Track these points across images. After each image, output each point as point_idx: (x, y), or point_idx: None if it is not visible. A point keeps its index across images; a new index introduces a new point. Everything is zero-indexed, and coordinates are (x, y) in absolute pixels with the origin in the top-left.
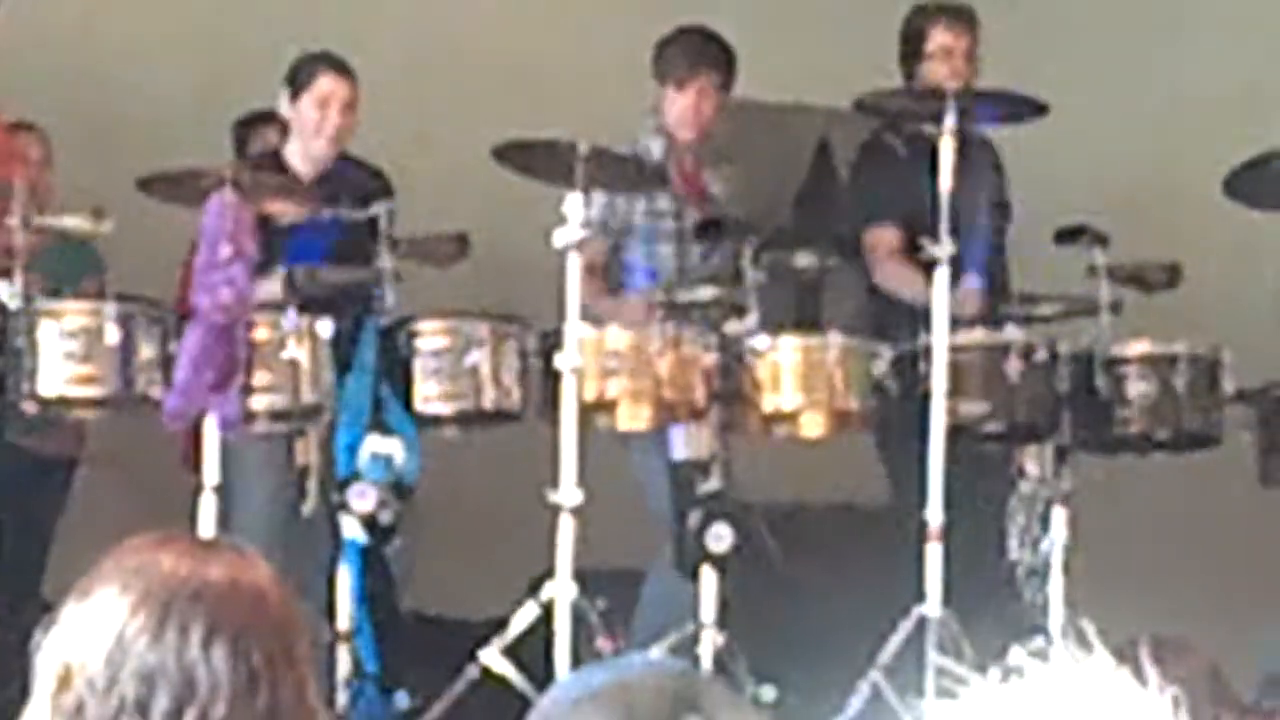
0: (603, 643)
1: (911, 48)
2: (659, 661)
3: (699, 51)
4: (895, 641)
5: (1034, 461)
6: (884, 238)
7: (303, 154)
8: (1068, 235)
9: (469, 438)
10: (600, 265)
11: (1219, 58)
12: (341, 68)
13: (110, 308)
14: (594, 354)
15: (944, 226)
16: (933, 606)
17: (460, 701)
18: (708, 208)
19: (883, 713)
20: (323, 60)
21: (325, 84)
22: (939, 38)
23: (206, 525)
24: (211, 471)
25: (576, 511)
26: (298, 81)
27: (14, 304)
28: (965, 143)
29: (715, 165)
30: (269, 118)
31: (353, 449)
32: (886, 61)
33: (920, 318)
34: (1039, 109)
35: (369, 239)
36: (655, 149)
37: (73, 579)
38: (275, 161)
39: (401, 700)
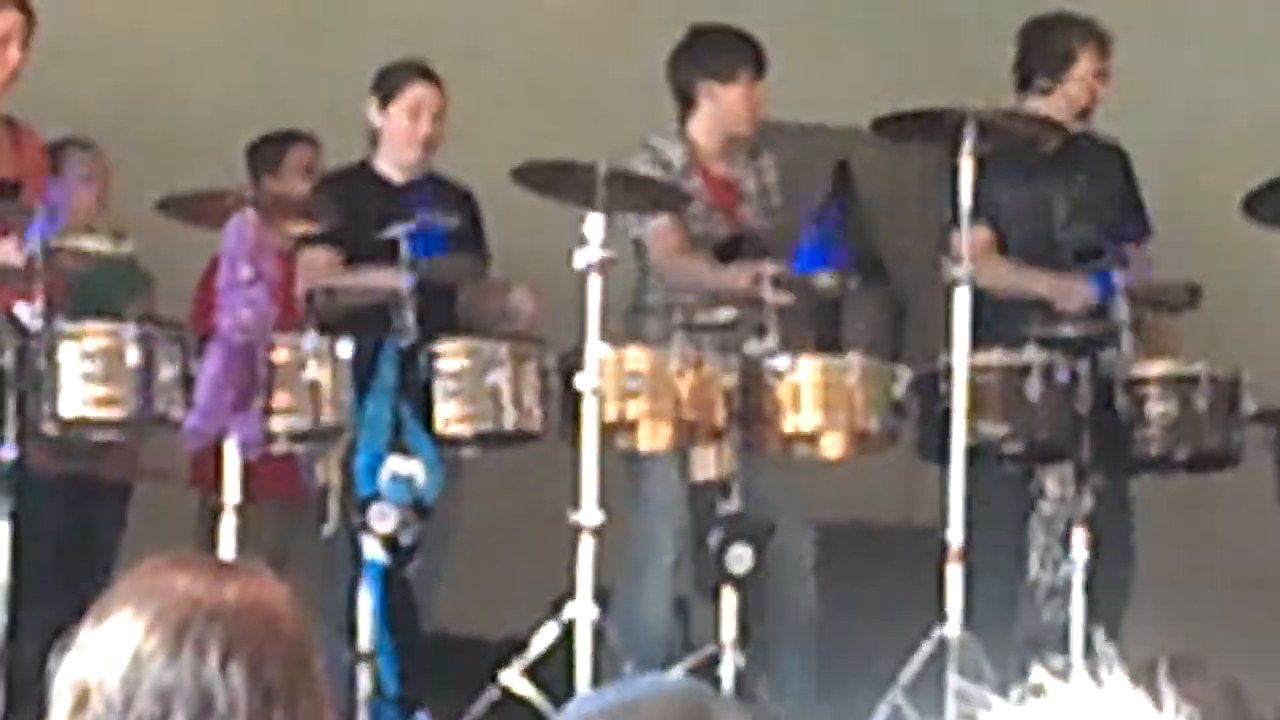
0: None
1: (1055, 65)
2: (670, 681)
3: (737, 45)
4: (916, 662)
5: (1054, 482)
6: (979, 237)
7: (393, 162)
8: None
9: (489, 458)
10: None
11: (1239, 75)
12: (431, 76)
13: (130, 329)
14: (614, 375)
15: (964, 242)
16: (953, 627)
17: None
18: (739, 213)
19: None
20: (413, 69)
21: (417, 92)
22: (1091, 62)
23: (226, 545)
24: (232, 491)
25: (597, 532)
26: (387, 90)
27: (35, 325)
28: (1091, 146)
29: (755, 158)
30: (297, 137)
31: (373, 470)
32: (905, 81)
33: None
34: (1056, 127)
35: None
36: (676, 157)
37: None
38: (365, 171)
39: None
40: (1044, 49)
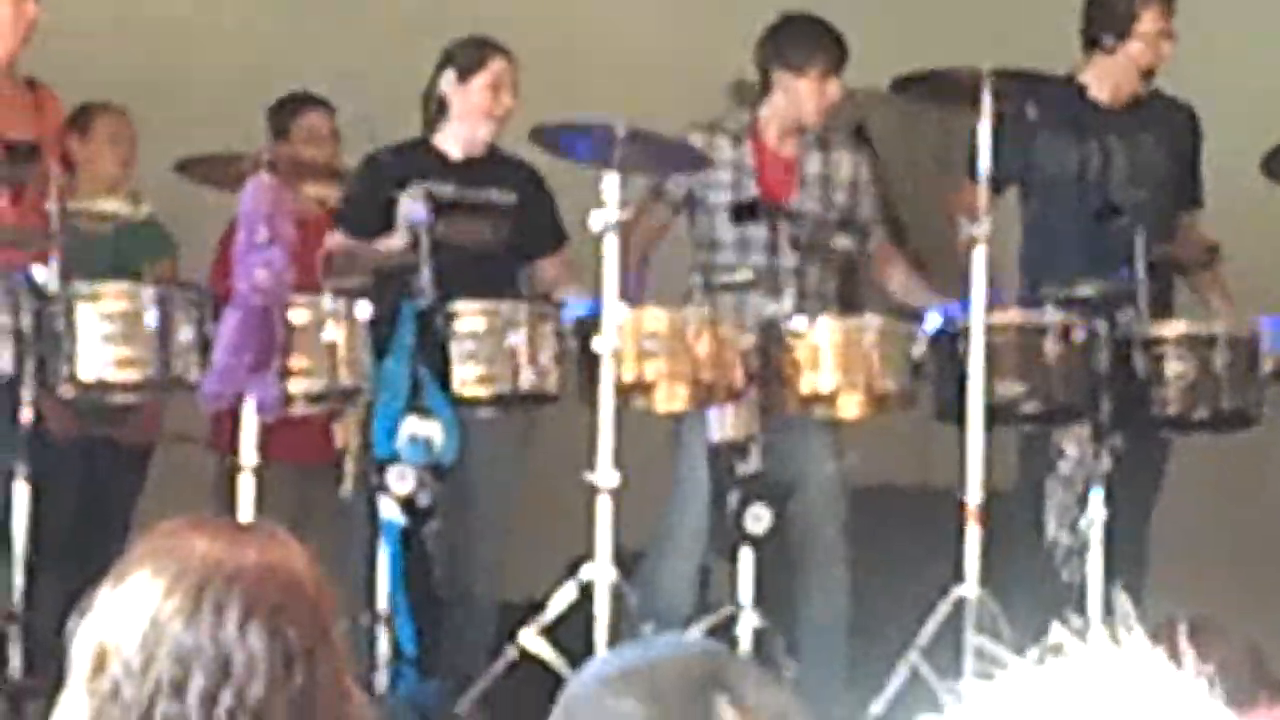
0: None
1: (1117, 24)
2: (688, 642)
3: (815, 38)
4: (934, 622)
5: (1073, 442)
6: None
7: (462, 136)
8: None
9: (509, 420)
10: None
11: (1256, 33)
12: (507, 51)
13: (148, 291)
14: (631, 336)
15: (983, 204)
16: (970, 587)
17: (499, 682)
18: (787, 191)
19: (921, 694)
20: (491, 44)
21: (498, 66)
22: (1154, 21)
23: (244, 507)
24: (250, 454)
25: (614, 493)
26: (466, 64)
27: (52, 287)
28: (1160, 106)
29: (827, 150)
30: (306, 100)
31: (391, 431)
32: (922, 42)
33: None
34: (1077, 89)
35: (517, 226)
36: (725, 152)
37: None
38: (423, 146)
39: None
40: (1107, 9)
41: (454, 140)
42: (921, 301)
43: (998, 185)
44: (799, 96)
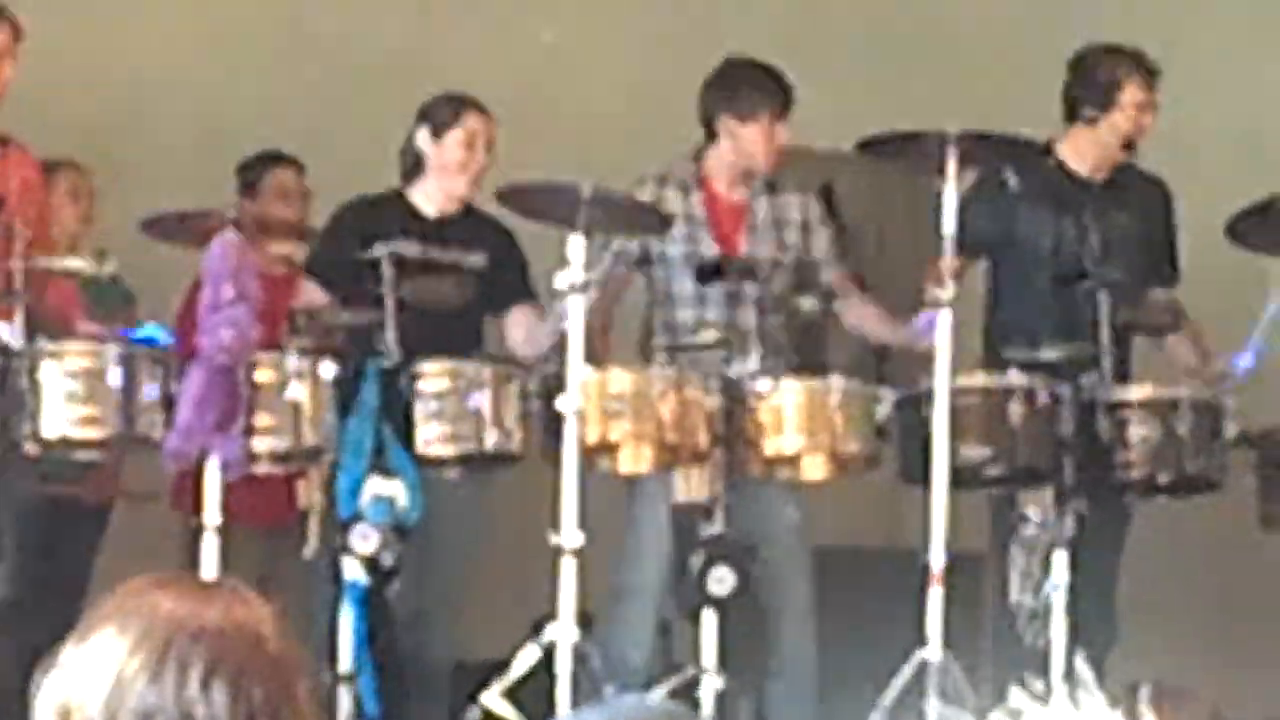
0: None
1: (1099, 94)
2: (650, 704)
3: (761, 83)
4: (897, 685)
5: (1035, 506)
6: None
7: (437, 193)
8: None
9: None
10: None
11: (1217, 101)
12: (483, 108)
13: (112, 349)
14: (596, 396)
15: (947, 268)
16: (934, 650)
17: None
18: (736, 239)
19: None
20: (468, 100)
21: (473, 123)
22: (1137, 93)
23: (208, 567)
24: (213, 513)
25: (578, 553)
26: (441, 120)
27: (16, 344)
28: (1136, 180)
29: (775, 193)
30: (277, 158)
31: (354, 491)
32: (888, 104)
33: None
34: (1042, 151)
35: (486, 285)
36: (675, 203)
37: None
38: (395, 200)
39: None
40: (1091, 79)
41: (428, 196)
42: (882, 335)
43: (974, 251)
44: (747, 143)
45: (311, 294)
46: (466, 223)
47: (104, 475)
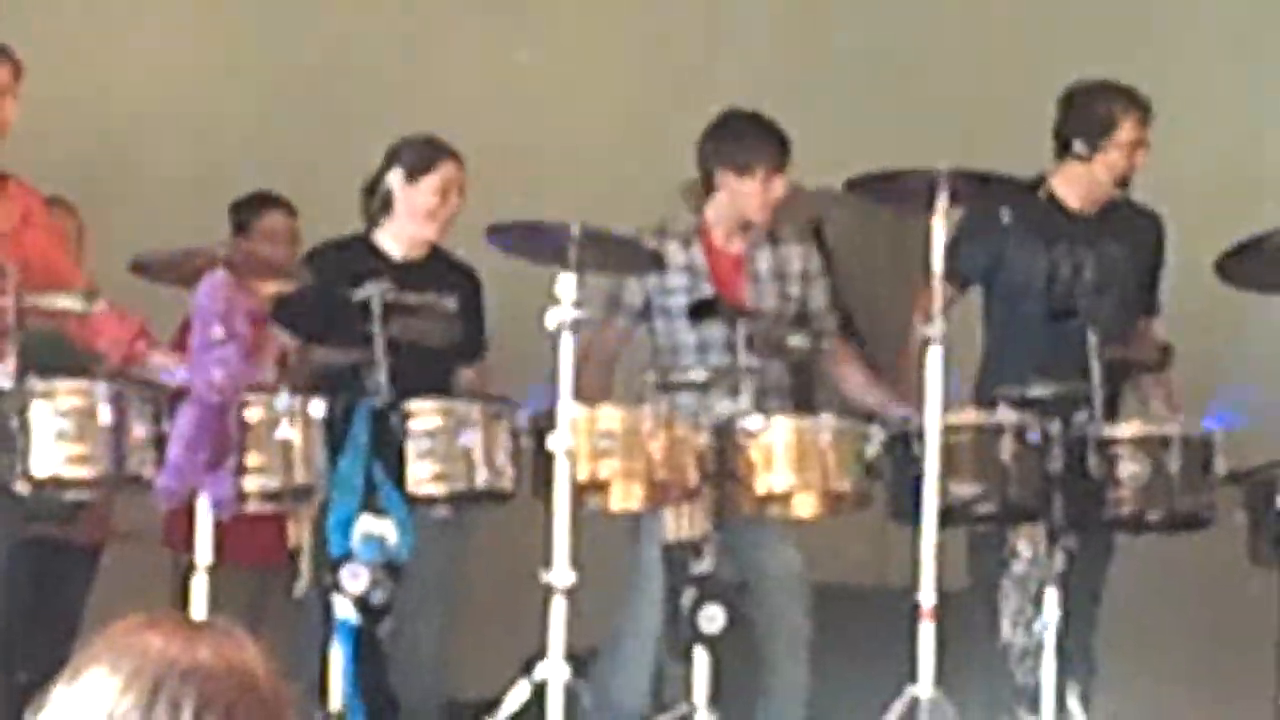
0: None
1: (1094, 132)
2: None
3: (758, 137)
4: None
5: (1026, 542)
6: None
7: (402, 236)
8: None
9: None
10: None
11: (1201, 134)
12: (457, 156)
13: (102, 387)
14: (586, 434)
15: (937, 305)
16: (925, 687)
17: None
18: (738, 290)
19: None
20: (441, 147)
21: (448, 171)
22: (1133, 131)
23: (199, 606)
24: (204, 552)
25: (569, 592)
26: (416, 164)
27: (6, 384)
28: (1129, 214)
29: (776, 244)
30: (271, 201)
31: (345, 529)
32: (878, 141)
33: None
34: (1034, 186)
35: (456, 326)
36: (676, 256)
37: None
38: (364, 244)
39: None
40: (1085, 115)
41: (395, 239)
42: (876, 403)
43: (963, 283)
44: (743, 197)
45: (279, 338)
46: (435, 266)
47: (95, 516)
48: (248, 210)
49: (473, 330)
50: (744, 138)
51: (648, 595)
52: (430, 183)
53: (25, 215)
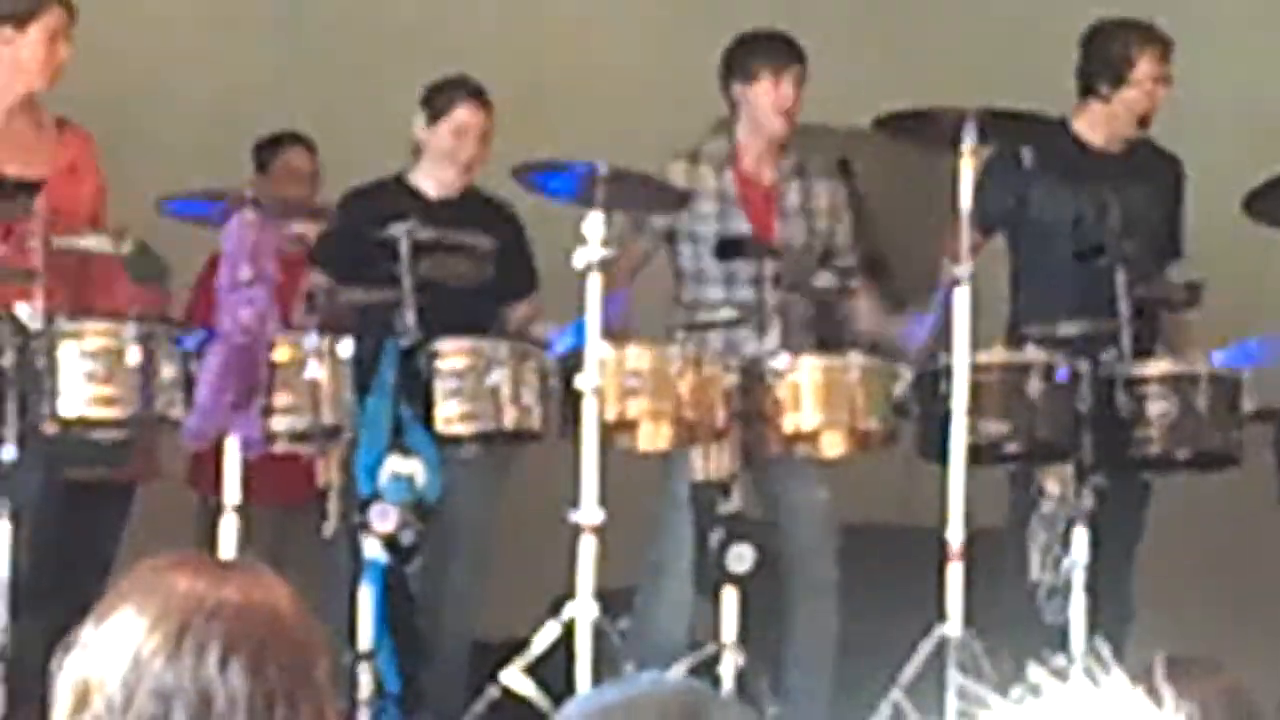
0: None
1: (1113, 70)
2: (669, 680)
3: (759, 44)
4: (916, 662)
5: (1055, 481)
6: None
7: (433, 178)
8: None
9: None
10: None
11: (1224, 74)
12: (481, 97)
13: (131, 328)
14: (614, 374)
15: (964, 246)
16: (954, 626)
17: None
18: (769, 222)
19: None
20: (463, 88)
21: (463, 114)
22: (1150, 67)
23: (227, 546)
24: (232, 492)
25: (597, 531)
26: (436, 107)
27: (35, 325)
28: (1150, 155)
29: (802, 177)
30: (292, 139)
31: (373, 469)
32: (905, 79)
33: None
34: (1060, 126)
35: (498, 269)
36: (708, 180)
37: None
38: (399, 184)
39: None
40: (1104, 54)
41: (429, 179)
42: (890, 330)
43: (988, 228)
44: (756, 106)
45: (315, 279)
46: (471, 207)
47: (140, 452)
48: (268, 149)
49: (518, 266)
50: (748, 47)
51: (681, 532)
52: (446, 125)
53: (73, 164)
